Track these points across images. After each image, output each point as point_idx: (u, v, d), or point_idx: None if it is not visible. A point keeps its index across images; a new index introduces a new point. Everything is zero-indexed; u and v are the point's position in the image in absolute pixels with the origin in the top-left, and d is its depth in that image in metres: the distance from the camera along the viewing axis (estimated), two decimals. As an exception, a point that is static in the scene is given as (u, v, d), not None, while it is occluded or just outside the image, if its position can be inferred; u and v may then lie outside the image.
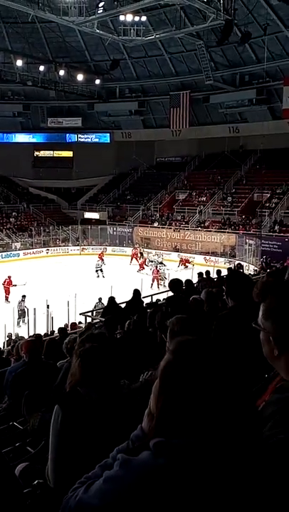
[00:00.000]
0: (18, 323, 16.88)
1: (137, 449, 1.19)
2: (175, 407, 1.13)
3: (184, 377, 1.13)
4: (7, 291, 20.15)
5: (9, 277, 20.67)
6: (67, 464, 1.80)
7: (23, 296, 17.66)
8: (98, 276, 26.63)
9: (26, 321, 16.09)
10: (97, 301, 16.26)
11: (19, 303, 17.51)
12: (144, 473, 1.08)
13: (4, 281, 20.56)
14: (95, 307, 15.13)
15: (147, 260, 30.17)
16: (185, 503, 1.05)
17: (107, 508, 1.12)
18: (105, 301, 12.58)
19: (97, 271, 27.17)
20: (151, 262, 29.85)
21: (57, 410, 1.89)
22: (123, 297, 11.50)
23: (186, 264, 28.30)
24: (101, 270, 27.22)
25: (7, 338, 13.71)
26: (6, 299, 19.86)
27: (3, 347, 12.14)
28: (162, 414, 1.17)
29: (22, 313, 17.10)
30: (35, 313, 14.85)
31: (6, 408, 4.35)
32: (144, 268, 28.25)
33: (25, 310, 16.84)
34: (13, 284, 20.30)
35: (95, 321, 11.17)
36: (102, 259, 28.66)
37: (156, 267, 26.25)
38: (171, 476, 1.06)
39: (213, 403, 1.12)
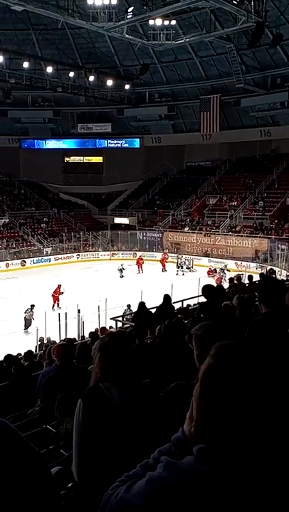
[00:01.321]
0: (26, 331, 16.89)
1: (180, 453, 1.21)
2: (215, 411, 1.14)
3: (225, 382, 1.13)
4: (55, 300, 20.21)
5: (59, 286, 20.68)
6: (91, 458, 1.84)
7: (32, 306, 17.57)
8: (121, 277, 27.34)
9: (31, 330, 16.19)
10: (126, 307, 16.27)
11: (27, 311, 17.40)
12: (187, 477, 1.10)
13: (54, 292, 20.52)
14: (123, 314, 15.13)
15: (177, 264, 30.19)
16: (225, 509, 1.06)
17: (148, 508, 1.13)
18: (134, 307, 12.58)
19: (121, 270, 27.80)
20: (180, 267, 29.80)
21: (79, 405, 1.93)
22: (154, 302, 11.47)
23: (214, 274, 28.00)
24: (121, 270, 27.91)
25: (39, 342, 13.90)
26: (53, 306, 19.87)
27: (36, 351, 12.32)
28: (202, 418, 1.18)
29: (28, 322, 17.12)
30: (66, 318, 15.03)
31: (39, 411, 4.41)
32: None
33: (32, 319, 16.95)
34: (61, 292, 20.43)
35: (125, 325, 11.20)
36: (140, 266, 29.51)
37: (219, 273, 26.28)
38: (213, 482, 1.07)
39: (254, 408, 1.12)
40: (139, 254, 33.40)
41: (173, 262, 30.79)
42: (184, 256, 31.58)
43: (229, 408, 1.11)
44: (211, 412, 1.15)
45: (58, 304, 19.94)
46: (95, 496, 1.43)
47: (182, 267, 29.82)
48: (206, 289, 4.43)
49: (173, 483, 1.10)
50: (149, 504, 1.12)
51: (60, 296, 20.27)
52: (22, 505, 1.16)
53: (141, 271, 29.60)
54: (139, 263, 30.02)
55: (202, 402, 1.17)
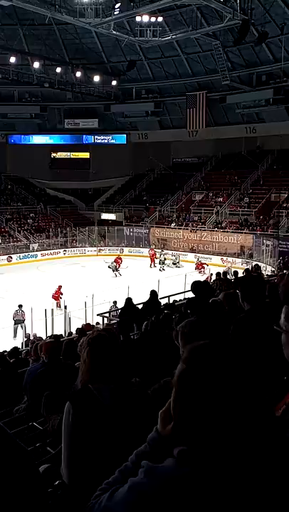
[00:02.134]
0: (15, 332, 16.27)
1: (160, 455, 1.19)
2: (192, 414, 1.13)
3: (199, 386, 1.12)
4: (56, 299, 19.71)
5: (60, 287, 20.31)
6: (81, 460, 1.82)
7: (20, 306, 16.93)
8: (116, 276, 26.71)
9: (24, 327, 15.75)
10: (112, 304, 16.25)
11: (16, 312, 16.76)
12: (169, 481, 1.08)
13: (55, 292, 20.14)
14: (109, 310, 15.05)
15: (160, 260, 30.22)
16: (208, 511, 1.05)
17: None
18: (121, 303, 12.59)
19: (113, 270, 27.21)
20: (162, 263, 29.89)
21: (68, 408, 1.90)
22: (141, 298, 11.51)
23: (202, 268, 28.07)
24: (114, 269, 27.25)
25: (25, 339, 13.85)
26: (58, 305, 19.09)
27: (22, 347, 12.27)
28: (180, 421, 1.17)
29: (18, 321, 16.50)
30: (52, 314, 14.98)
31: (26, 408, 4.41)
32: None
33: (22, 319, 16.35)
34: (61, 293, 19.91)
35: (112, 321, 11.22)
36: (119, 263, 28.37)
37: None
38: (195, 485, 1.07)
39: (231, 409, 1.10)
40: (118, 252, 32.80)
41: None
42: (164, 251, 31.60)
43: (205, 411, 1.10)
44: (187, 414, 1.14)
45: (58, 304, 19.13)
46: (84, 496, 1.43)
47: (163, 263, 29.94)
48: (195, 285, 4.46)
49: (155, 489, 1.08)
50: (133, 511, 1.12)
51: (43, 291, 20.00)
52: (10, 503, 1.17)
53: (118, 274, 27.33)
54: (118, 262, 28.37)
55: (178, 405, 1.17)
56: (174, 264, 30.19)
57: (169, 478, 1.09)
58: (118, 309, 13.89)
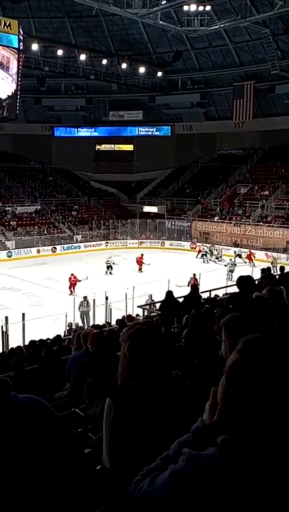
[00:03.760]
0: (83, 321, 16.52)
1: (203, 443, 1.21)
2: (240, 405, 1.14)
3: (251, 378, 1.13)
4: (73, 285, 20.83)
5: (72, 275, 21.10)
6: (121, 450, 1.85)
7: (85, 298, 17.26)
8: (107, 273, 25.62)
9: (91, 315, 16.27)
10: (148, 297, 16.28)
11: (81, 303, 17.07)
12: (211, 469, 1.10)
13: (69, 280, 21.08)
14: (145, 303, 15.03)
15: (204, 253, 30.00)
16: (249, 501, 1.05)
17: (172, 501, 1.14)
18: (160, 297, 12.54)
19: (108, 267, 25.93)
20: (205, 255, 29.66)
21: (109, 404, 1.91)
22: (181, 292, 11.48)
23: (251, 260, 27.62)
24: (110, 267, 25.85)
25: (68, 328, 14.16)
26: (71, 292, 20.51)
27: (64, 335, 12.56)
28: (227, 411, 1.18)
29: (84, 313, 16.90)
30: (94, 305, 15.23)
31: (68, 395, 4.51)
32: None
33: (87, 310, 16.76)
34: (78, 280, 20.84)
35: (152, 314, 11.26)
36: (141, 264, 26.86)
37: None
38: (236, 473, 1.07)
39: (280, 403, 1.11)
40: (140, 251, 29.83)
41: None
42: (208, 245, 31.31)
43: (254, 402, 1.11)
44: (236, 405, 1.15)
45: (73, 289, 20.59)
46: (125, 482, 1.46)
47: (206, 256, 29.65)
48: (241, 280, 4.40)
49: (196, 476, 1.10)
50: (173, 497, 1.13)
51: (87, 283, 20.38)
52: (58, 483, 1.21)
53: (140, 270, 26.30)
54: (140, 261, 26.77)
55: (227, 395, 1.18)
56: (217, 258, 29.89)
57: (210, 466, 1.10)
58: (154, 302, 13.93)
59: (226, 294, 11.54)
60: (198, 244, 32.20)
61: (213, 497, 1.07)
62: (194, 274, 19.76)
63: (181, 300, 10.78)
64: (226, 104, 38.54)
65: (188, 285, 18.44)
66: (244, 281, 4.52)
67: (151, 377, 1.90)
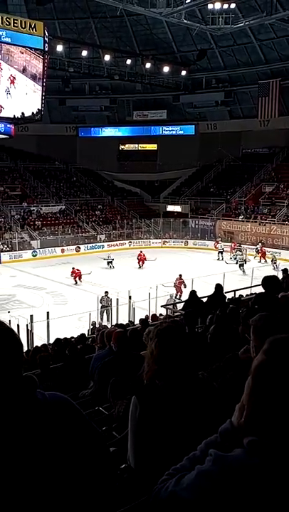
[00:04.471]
0: (102, 316, 17.10)
1: (230, 445, 1.20)
2: (267, 406, 1.13)
3: (277, 378, 1.12)
4: (77, 276, 23.17)
5: (73, 268, 23.45)
6: (146, 449, 1.85)
7: (106, 292, 17.69)
8: (110, 268, 26.93)
9: (109, 312, 16.65)
10: (169, 297, 16.26)
11: (102, 298, 17.45)
12: (237, 471, 1.09)
13: (72, 273, 23.22)
14: (167, 303, 15.04)
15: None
16: (275, 503, 1.04)
17: (198, 502, 1.14)
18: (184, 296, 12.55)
19: (108, 263, 27.09)
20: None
21: (134, 402, 1.91)
22: (204, 291, 11.41)
23: (264, 257, 27.52)
24: (110, 263, 27.28)
25: (91, 326, 14.26)
26: (76, 282, 22.99)
27: (88, 334, 12.65)
28: (254, 412, 1.17)
29: (104, 306, 17.30)
30: (118, 304, 15.29)
31: (92, 393, 4.54)
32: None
33: (107, 304, 17.17)
34: (82, 273, 23.01)
35: (175, 313, 11.24)
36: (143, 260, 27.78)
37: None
38: (264, 476, 1.06)
39: None
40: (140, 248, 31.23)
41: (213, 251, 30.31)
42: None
43: (281, 404, 1.10)
44: (262, 406, 1.14)
45: (79, 278, 22.99)
46: (149, 481, 1.46)
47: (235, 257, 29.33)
48: (266, 280, 4.34)
49: (222, 477, 1.10)
50: (199, 498, 1.14)
51: (112, 282, 20.54)
52: (84, 480, 1.22)
53: (141, 265, 27.36)
54: (141, 259, 27.48)
55: (254, 396, 1.17)
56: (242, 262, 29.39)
57: (237, 468, 1.10)
58: (175, 302, 13.92)
59: (251, 294, 11.42)
60: (221, 243, 31.85)
61: (239, 498, 1.07)
62: (180, 275, 19.74)
63: (204, 300, 10.71)
64: (251, 102, 38.15)
65: (174, 286, 18.82)
66: (269, 282, 4.45)
67: (177, 376, 1.90)
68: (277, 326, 2.23)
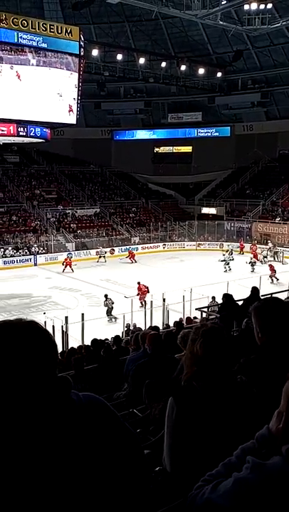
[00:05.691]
0: (110, 318, 17.46)
1: (267, 452, 1.18)
2: None
3: None
4: (68, 265, 26.65)
5: (67, 257, 27.78)
6: (183, 452, 1.83)
7: (105, 295, 18.34)
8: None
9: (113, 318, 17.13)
10: (211, 299, 16.10)
11: (108, 301, 18.07)
12: (276, 479, 1.07)
13: (64, 261, 27.02)
14: (208, 305, 14.95)
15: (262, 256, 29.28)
16: None
17: (235, 509, 1.13)
18: (219, 299, 12.39)
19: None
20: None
21: (171, 403, 1.89)
22: (241, 295, 11.25)
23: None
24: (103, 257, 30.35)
25: (125, 328, 14.31)
26: (64, 270, 26.42)
27: (122, 336, 12.70)
28: None
29: (109, 310, 17.73)
30: (152, 306, 15.28)
31: (127, 395, 4.55)
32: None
33: (112, 307, 17.64)
34: (73, 264, 26.75)
35: (210, 316, 11.12)
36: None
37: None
38: None
39: None
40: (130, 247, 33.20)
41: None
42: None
43: None
44: None
45: (70, 266, 26.62)
46: (184, 485, 1.45)
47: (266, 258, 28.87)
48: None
49: (260, 485, 1.09)
50: (236, 505, 1.12)
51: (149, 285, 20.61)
52: (118, 481, 1.21)
53: (134, 261, 30.19)
54: (132, 255, 30.60)
55: None
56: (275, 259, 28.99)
57: (276, 476, 1.08)
58: (216, 304, 13.73)
59: (288, 297, 11.16)
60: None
61: (277, 507, 1.05)
62: (138, 283, 19.96)
63: (240, 303, 10.55)
64: (288, 103, 37.42)
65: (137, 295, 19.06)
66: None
67: (216, 378, 1.88)
68: (275, 307, 2.24)
